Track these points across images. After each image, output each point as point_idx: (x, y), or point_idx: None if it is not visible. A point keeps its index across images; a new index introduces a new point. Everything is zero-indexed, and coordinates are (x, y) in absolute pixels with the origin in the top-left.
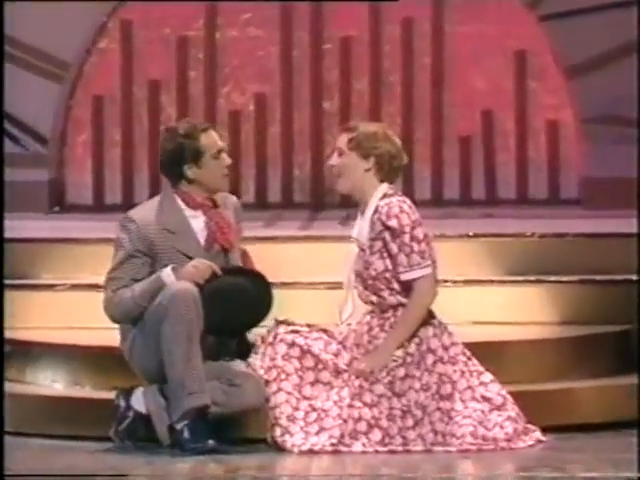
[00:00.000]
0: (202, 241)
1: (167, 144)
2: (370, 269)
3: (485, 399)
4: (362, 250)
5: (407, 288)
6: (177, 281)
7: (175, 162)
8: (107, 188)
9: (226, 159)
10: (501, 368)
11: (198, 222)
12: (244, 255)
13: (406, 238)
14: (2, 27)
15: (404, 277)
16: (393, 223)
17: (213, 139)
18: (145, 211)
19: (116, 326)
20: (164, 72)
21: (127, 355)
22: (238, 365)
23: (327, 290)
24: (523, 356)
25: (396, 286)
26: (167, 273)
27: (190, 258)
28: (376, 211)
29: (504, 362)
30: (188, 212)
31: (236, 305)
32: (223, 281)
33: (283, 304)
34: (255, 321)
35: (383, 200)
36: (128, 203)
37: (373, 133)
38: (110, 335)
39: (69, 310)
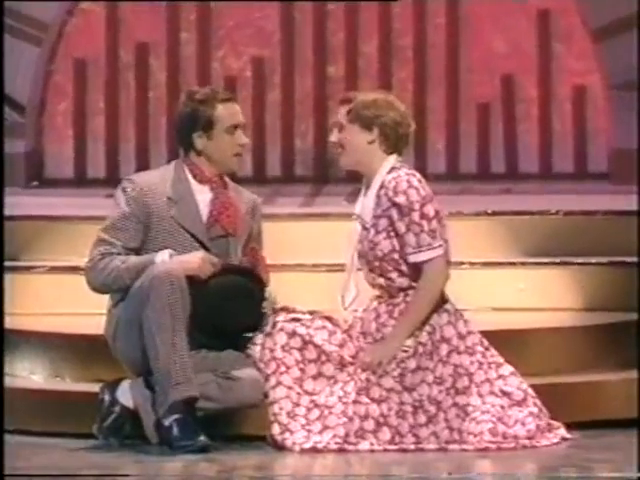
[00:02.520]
0: (204, 218)
1: (182, 108)
2: (376, 250)
3: (504, 394)
4: (365, 229)
5: (417, 270)
6: (163, 262)
7: (186, 129)
8: (90, 161)
9: (242, 137)
10: (522, 359)
11: (203, 197)
12: (252, 252)
13: (415, 216)
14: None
15: (412, 259)
16: (401, 199)
17: (232, 112)
18: (149, 176)
19: (101, 312)
20: (153, 34)
21: (110, 343)
22: (234, 356)
23: (331, 273)
24: (546, 346)
25: (405, 268)
26: (163, 254)
27: (188, 233)
28: (382, 186)
29: (525, 352)
30: (195, 185)
31: (236, 307)
32: (225, 280)
33: (283, 289)
34: (253, 325)
35: (390, 174)
36: (112, 177)
37: (373, 101)
38: (94, 322)
39: (48, 295)
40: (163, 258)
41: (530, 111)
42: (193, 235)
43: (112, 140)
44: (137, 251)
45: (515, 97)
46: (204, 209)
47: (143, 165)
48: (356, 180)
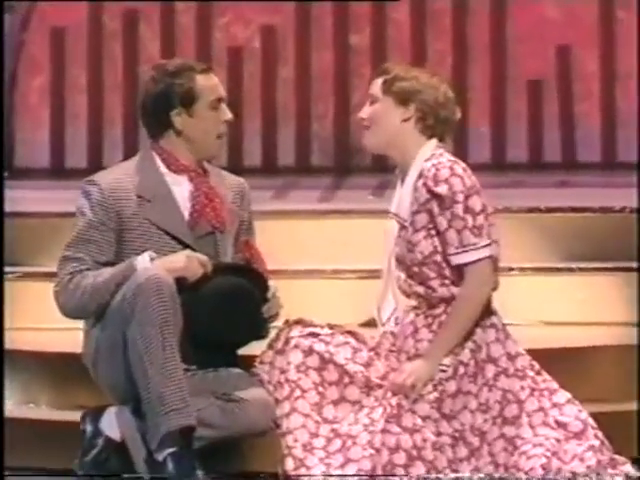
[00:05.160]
0: (186, 215)
1: (151, 85)
2: (415, 252)
3: (560, 425)
4: (404, 228)
5: (463, 277)
6: (147, 268)
7: (160, 107)
8: (69, 147)
9: (227, 112)
10: (581, 382)
11: (181, 190)
12: (246, 245)
13: (458, 209)
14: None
15: (455, 260)
16: (442, 189)
17: (213, 83)
18: (114, 173)
19: (82, 326)
20: None
21: (91, 369)
22: (237, 375)
23: (356, 280)
24: (610, 367)
25: (448, 273)
26: (143, 258)
27: (169, 235)
28: (421, 175)
29: (584, 375)
30: (170, 177)
31: (234, 313)
32: (218, 282)
33: (297, 299)
34: (256, 334)
35: (429, 161)
36: (95, 167)
37: (414, 75)
38: (73, 338)
39: (20, 305)
40: (144, 262)
41: (590, 89)
42: (175, 237)
43: (95, 123)
44: (111, 265)
45: (573, 73)
46: (184, 204)
47: (131, 153)
48: (384, 171)
